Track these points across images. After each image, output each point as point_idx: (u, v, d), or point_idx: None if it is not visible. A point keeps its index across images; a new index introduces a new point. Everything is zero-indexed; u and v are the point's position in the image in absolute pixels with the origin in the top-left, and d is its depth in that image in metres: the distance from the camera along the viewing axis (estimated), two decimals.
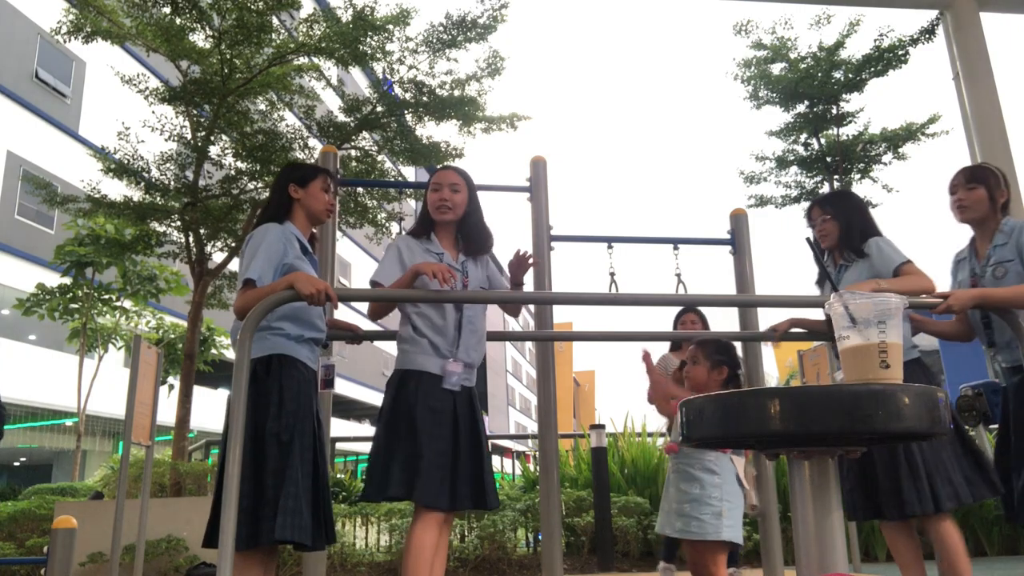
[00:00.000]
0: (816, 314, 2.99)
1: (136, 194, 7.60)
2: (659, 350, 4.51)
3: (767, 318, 3.21)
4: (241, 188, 7.75)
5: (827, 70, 11.12)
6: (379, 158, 8.38)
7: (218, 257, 8.06)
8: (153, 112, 7.68)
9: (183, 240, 7.69)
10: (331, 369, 2.79)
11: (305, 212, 2.54)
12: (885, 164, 11.61)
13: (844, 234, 2.78)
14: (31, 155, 16.55)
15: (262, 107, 7.95)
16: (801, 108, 11.52)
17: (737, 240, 3.76)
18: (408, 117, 8.18)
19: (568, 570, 5.15)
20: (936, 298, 2.49)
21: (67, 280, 10.92)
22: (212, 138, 7.50)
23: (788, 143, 11.89)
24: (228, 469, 1.99)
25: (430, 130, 8.49)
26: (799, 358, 4.73)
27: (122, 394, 4.66)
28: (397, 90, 8.07)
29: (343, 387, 24.75)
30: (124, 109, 9.00)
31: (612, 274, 3.40)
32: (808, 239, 2.15)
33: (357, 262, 26.67)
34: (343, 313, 2.94)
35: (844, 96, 11.35)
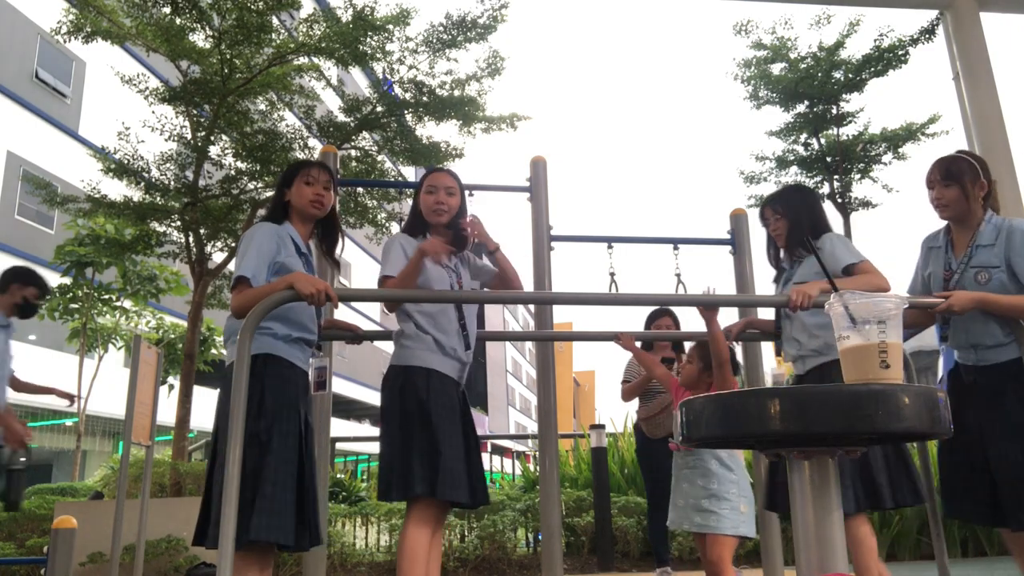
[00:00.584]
0: (770, 314, 2.99)
1: (136, 194, 7.60)
2: (628, 355, 4.50)
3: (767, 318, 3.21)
4: (241, 188, 7.75)
5: (827, 70, 11.13)
6: (379, 158, 8.38)
7: (218, 257, 8.06)
8: (153, 112, 7.68)
9: (183, 240, 7.69)
10: (323, 371, 2.78)
11: (295, 211, 2.53)
12: (885, 164, 11.62)
13: (792, 232, 2.71)
14: (31, 155, 16.55)
15: (262, 107, 7.95)
16: (801, 108, 11.53)
17: (737, 240, 3.77)
18: (408, 117, 8.18)
19: (568, 570, 5.15)
20: (938, 297, 2.46)
21: (67, 280, 10.91)
22: (212, 138, 7.51)
23: (788, 143, 11.90)
24: (228, 469, 1.99)
25: (430, 130, 8.50)
26: None
27: (122, 394, 4.64)
28: (397, 90, 8.07)
29: (343, 387, 24.76)
30: (124, 109, 9.00)
31: (612, 274, 3.40)
32: (808, 239, 2.16)
33: (357, 262, 26.67)
34: (343, 313, 2.95)
35: (844, 96, 11.37)
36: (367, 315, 26.34)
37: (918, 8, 10.08)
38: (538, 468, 3.54)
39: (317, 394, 2.96)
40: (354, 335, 2.85)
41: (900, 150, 11.50)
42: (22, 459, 4.01)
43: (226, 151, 7.83)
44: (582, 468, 6.44)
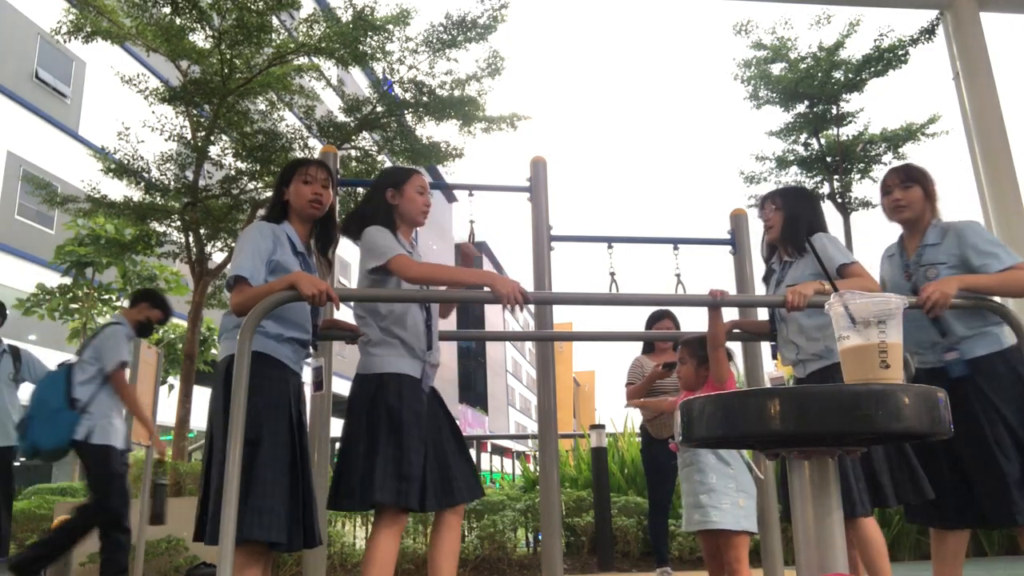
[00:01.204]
0: (761, 315, 3.01)
1: (136, 194, 7.60)
2: (632, 352, 4.53)
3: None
4: (241, 188, 7.76)
5: (827, 70, 11.12)
6: (379, 158, 8.38)
7: (218, 257, 8.06)
8: (153, 112, 7.68)
9: (183, 240, 7.69)
10: (319, 371, 2.75)
11: (294, 211, 2.50)
12: (885, 164, 11.60)
13: (788, 226, 2.73)
14: (31, 155, 16.55)
15: (262, 107, 7.95)
16: (801, 108, 11.52)
17: (737, 240, 3.77)
18: (408, 117, 8.19)
19: (568, 570, 5.15)
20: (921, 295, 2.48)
21: (67, 280, 10.92)
22: (212, 138, 7.51)
23: (788, 143, 11.89)
24: (228, 468, 1.99)
25: (430, 130, 8.51)
26: None
27: None
28: (397, 90, 8.07)
29: (343, 387, 24.71)
30: (124, 109, 9.00)
31: (612, 274, 3.40)
32: (808, 239, 2.16)
33: (357, 262, 26.63)
34: (343, 313, 2.94)
35: (844, 96, 11.36)
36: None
37: (918, 8, 10.08)
38: (538, 468, 3.54)
39: (317, 394, 2.96)
40: (354, 335, 2.83)
41: (900, 150, 11.49)
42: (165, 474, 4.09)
43: (226, 151, 7.83)
44: (582, 468, 6.44)
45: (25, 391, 4.77)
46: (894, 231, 2.85)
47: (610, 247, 3.50)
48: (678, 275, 3.53)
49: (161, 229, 7.89)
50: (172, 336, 12.25)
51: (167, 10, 7.07)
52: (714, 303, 2.66)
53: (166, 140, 7.78)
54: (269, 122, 7.95)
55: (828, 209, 11.68)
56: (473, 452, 9.28)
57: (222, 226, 7.62)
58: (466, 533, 5.40)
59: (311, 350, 2.53)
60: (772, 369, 3.70)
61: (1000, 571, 4.63)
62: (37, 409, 3.95)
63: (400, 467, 2.31)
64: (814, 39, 12.32)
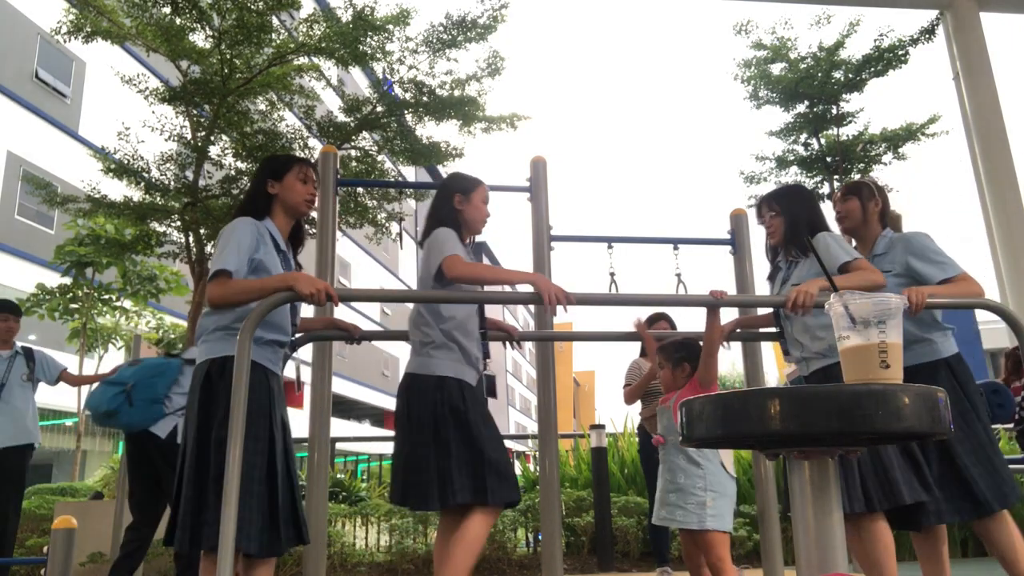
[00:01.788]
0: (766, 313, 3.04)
1: (136, 194, 7.60)
2: (632, 353, 4.55)
3: None
4: (241, 188, 7.75)
5: (827, 70, 11.12)
6: (379, 158, 8.38)
7: None
8: (153, 112, 7.67)
9: (183, 240, 7.69)
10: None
11: (282, 206, 2.48)
12: (885, 164, 11.61)
13: (790, 230, 2.76)
14: (31, 155, 16.54)
15: (262, 107, 7.95)
16: (801, 108, 11.52)
17: (737, 240, 3.77)
18: (408, 117, 8.18)
19: (568, 570, 5.15)
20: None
21: (67, 280, 10.91)
22: (212, 138, 7.50)
23: (788, 143, 11.89)
24: (229, 470, 1.99)
25: (430, 130, 8.49)
26: None
27: None
28: (397, 90, 8.07)
29: (343, 387, 24.76)
30: (124, 109, 8.99)
31: (612, 274, 3.40)
32: (808, 239, 2.17)
33: (357, 262, 26.67)
34: (342, 312, 2.95)
35: (844, 96, 11.35)
36: (367, 315, 26.35)
37: (918, 8, 10.09)
38: (538, 468, 3.54)
39: (318, 392, 2.96)
40: (350, 336, 2.83)
41: (900, 150, 11.48)
42: None
43: (226, 151, 7.83)
44: (582, 468, 6.44)
45: (42, 391, 4.84)
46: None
47: (610, 247, 3.50)
48: (678, 275, 3.53)
49: (161, 229, 7.88)
50: (172, 336, 12.25)
51: (167, 10, 7.06)
52: (714, 303, 2.67)
53: (166, 140, 7.77)
54: (269, 122, 7.95)
55: (828, 209, 11.67)
56: None
57: (222, 226, 7.61)
58: None
59: (288, 351, 2.51)
60: (789, 369, 3.70)
61: (1000, 571, 4.63)
62: (141, 390, 3.79)
63: (475, 466, 2.35)
64: (814, 39, 12.33)
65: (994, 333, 9.15)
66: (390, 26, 7.52)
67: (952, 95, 9.23)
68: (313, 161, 2.84)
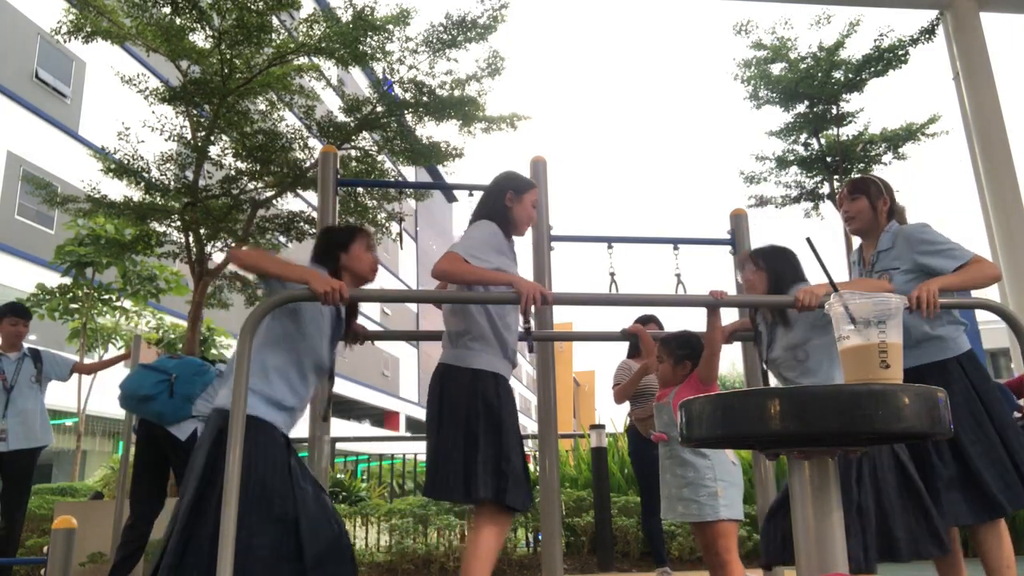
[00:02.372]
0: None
1: (136, 194, 7.60)
2: (618, 355, 4.56)
3: None
4: (241, 188, 7.75)
5: (827, 70, 11.12)
6: (379, 158, 8.38)
7: (218, 257, 8.06)
8: (153, 112, 7.67)
9: (183, 240, 7.69)
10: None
11: (350, 275, 2.48)
12: (885, 164, 11.62)
13: (773, 287, 2.72)
14: (31, 155, 16.54)
15: (262, 107, 7.95)
16: (801, 108, 11.52)
17: (737, 240, 3.77)
18: (408, 117, 8.18)
19: (568, 570, 5.15)
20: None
21: (67, 280, 10.91)
22: (212, 138, 7.50)
23: (788, 143, 11.89)
24: (229, 470, 1.99)
25: (430, 130, 8.50)
26: None
27: None
28: (397, 90, 8.07)
29: (343, 387, 24.76)
30: (124, 109, 8.99)
31: (612, 274, 3.40)
32: (808, 239, 2.16)
33: None
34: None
35: (844, 96, 11.36)
36: (367, 315, 26.35)
37: (918, 8, 10.08)
38: (538, 468, 3.54)
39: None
40: (356, 335, 2.83)
41: (900, 150, 11.49)
42: None
43: (226, 151, 7.83)
44: (582, 468, 6.43)
45: (52, 389, 4.88)
46: None
47: (610, 247, 3.50)
48: (678, 275, 3.53)
49: (161, 229, 7.88)
50: (172, 336, 12.25)
51: (167, 10, 7.06)
52: (715, 303, 2.67)
53: (166, 140, 7.77)
54: (269, 122, 7.95)
55: (828, 209, 11.68)
56: None
57: (222, 226, 7.61)
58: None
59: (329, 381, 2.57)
60: None
61: None
62: (183, 384, 3.83)
63: (499, 464, 2.36)
64: (814, 39, 12.34)
65: (994, 333, 9.15)
66: (390, 26, 7.52)
67: (952, 95, 9.22)
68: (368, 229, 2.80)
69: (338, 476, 7.17)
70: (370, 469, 8.59)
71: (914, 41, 10.69)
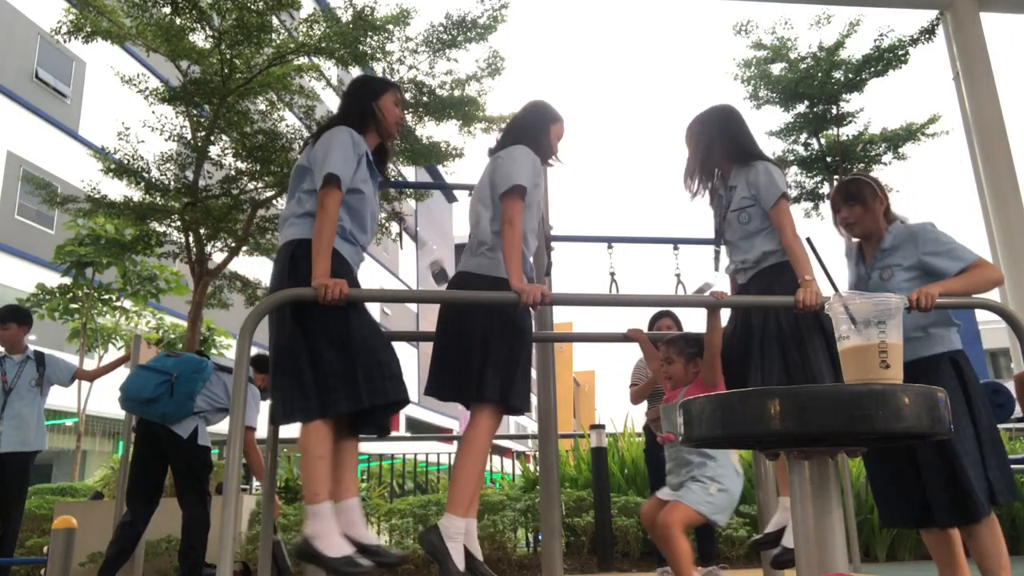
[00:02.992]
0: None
1: (136, 194, 7.59)
2: (632, 353, 4.53)
3: None
4: (241, 188, 7.75)
5: (827, 70, 11.11)
6: None
7: (218, 257, 8.06)
8: (153, 112, 7.67)
9: (183, 240, 7.68)
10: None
11: (376, 127, 2.66)
12: (885, 164, 11.61)
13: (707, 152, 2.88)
14: (31, 155, 16.54)
15: (262, 107, 7.94)
16: (801, 108, 11.51)
17: None
18: (408, 117, 8.18)
19: (568, 570, 5.15)
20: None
21: (67, 280, 10.91)
22: (212, 138, 7.50)
23: (788, 143, 11.88)
24: (228, 468, 2.00)
25: (430, 130, 8.49)
26: None
27: None
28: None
29: None
30: (124, 109, 8.99)
31: (612, 274, 3.40)
32: (808, 239, 2.16)
33: None
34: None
35: (844, 96, 11.34)
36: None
37: (918, 8, 10.08)
38: (538, 468, 3.54)
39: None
40: None
41: (900, 150, 11.48)
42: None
43: (226, 151, 7.82)
44: (582, 468, 6.43)
45: (52, 389, 4.89)
46: None
47: (610, 247, 3.50)
48: (678, 275, 3.53)
49: (161, 229, 7.88)
50: (172, 336, 12.25)
51: (167, 10, 7.06)
52: (715, 304, 2.67)
53: (166, 140, 7.77)
54: (269, 122, 7.94)
55: (828, 209, 11.65)
56: None
57: (222, 226, 7.61)
58: None
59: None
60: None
61: None
62: (183, 383, 3.89)
63: (509, 367, 2.46)
64: (814, 39, 12.31)
65: (994, 333, 9.15)
66: (390, 26, 7.52)
67: (952, 95, 9.22)
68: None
69: None
70: (370, 469, 8.59)
71: (914, 41, 10.68)
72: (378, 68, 8.01)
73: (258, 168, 7.63)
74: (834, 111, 11.40)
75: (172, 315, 13.89)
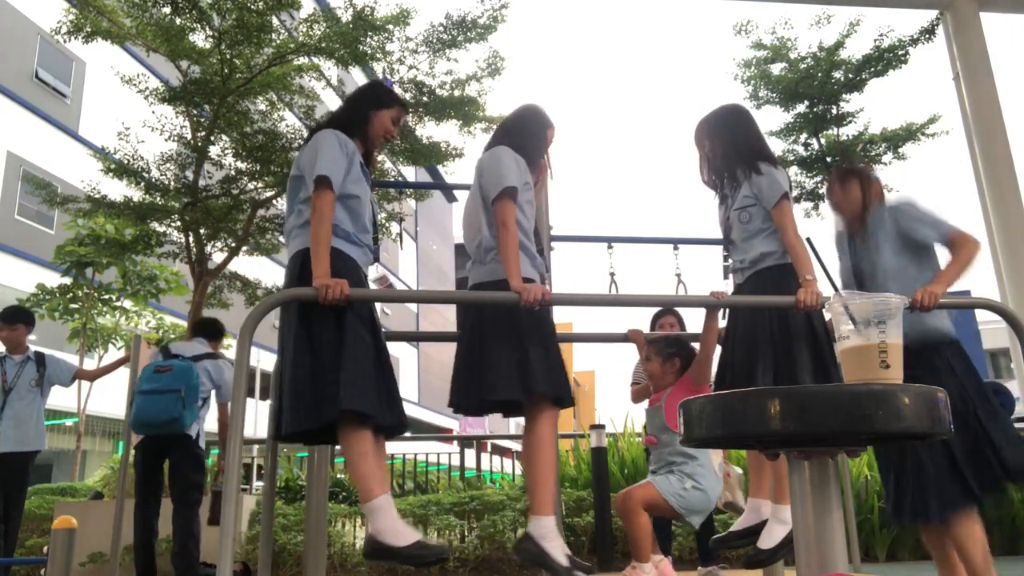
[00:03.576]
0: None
1: (136, 194, 7.59)
2: (628, 355, 4.53)
3: None
4: (241, 188, 7.75)
5: (827, 70, 11.11)
6: (379, 158, 8.37)
7: (218, 257, 8.06)
8: (153, 112, 7.67)
9: (183, 240, 7.68)
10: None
11: (367, 133, 2.68)
12: (885, 164, 11.61)
13: (726, 155, 2.88)
14: (31, 155, 16.54)
15: (262, 107, 7.94)
16: (801, 108, 11.50)
17: None
18: (408, 117, 8.18)
19: None
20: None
21: (67, 280, 10.91)
22: (212, 138, 7.50)
23: (788, 143, 11.88)
24: (228, 468, 1.99)
25: (430, 130, 8.49)
26: None
27: (122, 394, 4.66)
28: (397, 90, 8.07)
29: None
30: (124, 109, 8.99)
31: (612, 274, 3.41)
32: (808, 239, 2.16)
33: None
34: None
35: (844, 96, 11.34)
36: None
37: (918, 8, 10.07)
38: None
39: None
40: None
41: (900, 150, 11.47)
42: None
43: (226, 151, 7.82)
44: (582, 468, 6.43)
45: (55, 393, 4.91)
46: None
47: (610, 247, 3.51)
48: (678, 275, 3.53)
49: (161, 229, 7.88)
50: (172, 336, 12.25)
51: (167, 10, 7.06)
52: (715, 304, 2.67)
53: (166, 140, 7.77)
54: (269, 122, 7.94)
55: (828, 209, 11.65)
56: (473, 452, 9.28)
57: (222, 226, 7.61)
58: (466, 533, 5.40)
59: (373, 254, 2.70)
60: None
61: (1000, 571, 4.63)
62: (191, 394, 4.10)
63: (549, 360, 2.46)
64: (814, 39, 12.31)
65: (994, 333, 9.15)
66: (390, 26, 7.52)
67: (952, 95, 9.21)
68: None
69: (338, 476, 7.16)
70: None
71: (914, 41, 10.68)
72: (378, 68, 8.02)
73: (258, 168, 7.63)
74: (834, 111, 11.39)
75: (172, 315, 13.89)
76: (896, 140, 11.41)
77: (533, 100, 3.09)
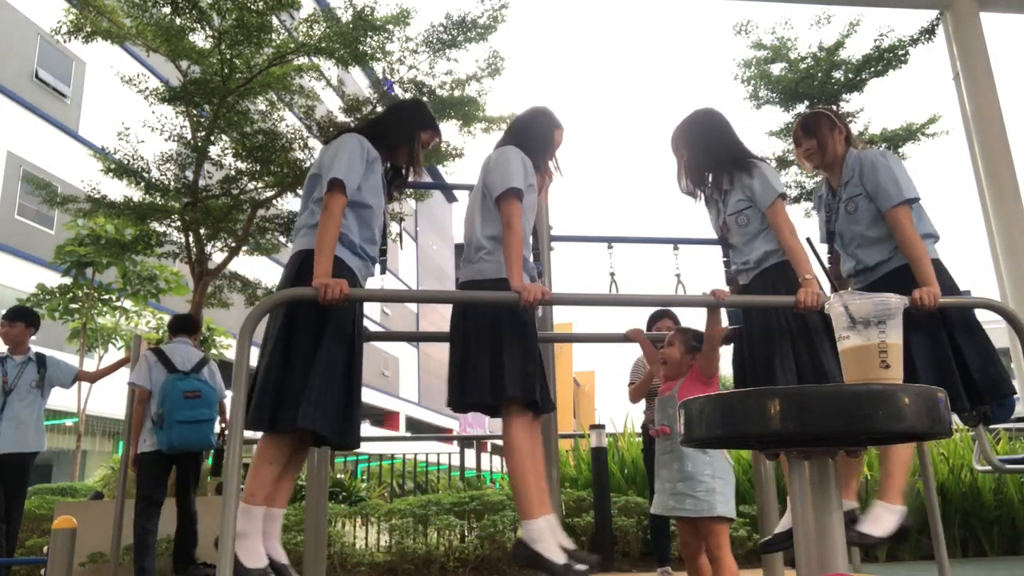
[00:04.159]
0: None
1: (136, 194, 7.59)
2: (632, 352, 4.53)
3: None
4: (241, 188, 7.75)
5: (827, 70, 11.11)
6: None
7: (218, 257, 8.06)
8: (153, 112, 7.67)
9: (183, 240, 7.69)
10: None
11: (396, 149, 2.74)
12: None
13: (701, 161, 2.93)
14: (31, 155, 16.54)
15: (262, 107, 7.94)
16: (801, 108, 11.50)
17: None
18: None
19: None
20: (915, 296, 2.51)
21: (67, 280, 10.91)
22: (212, 138, 7.50)
23: (788, 143, 11.87)
24: (229, 468, 1.99)
25: None
26: None
27: (122, 394, 4.66)
28: (397, 90, 8.07)
29: None
30: (124, 109, 8.99)
31: (612, 274, 3.41)
32: (808, 239, 2.17)
33: None
34: None
35: (844, 96, 11.34)
36: (367, 315, 26.26)
37: (918, 8, 10.06)
38: None
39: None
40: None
41: (900, 150, 11.47)
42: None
43: (226, 151, 7.82)
44: (582, 468, 6.44)
45: (55, 393, 4.93)
46: None
47: (610, 247, 3.51)
48: (678, 275, 3.53)
49: (161, 229, 7.88)
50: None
51: (167, 10, 7.06)
52: (716, 304, 2.67)
53: (166, 140, 7.77)
54: (269, 122, 7.94)
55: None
56: (473, 452, 9.28)
57: (222, 226, 7.61)
58: (466, 533, 5.40)
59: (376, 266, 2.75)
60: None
61: (1000, 571, 4.64)
62: (217, 413, 4.56)
63: (526, 364, 2.46)
64: (814, 39, 12.30)
65: (994, 333, 9.13)
66: (390, 26, 7.52)
67: (952, 95, 9.21)
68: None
69: (338, 476, 7.17)
70: (370, 469, 8.60)
71: (914, 41, 10.68)
72: (378, 68, 8.01)
73: (258, 168, 7.63)
74: (834, 111, 11.39)
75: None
76: (896, 140, 11.41)
77: (537, 101, 3.09)
